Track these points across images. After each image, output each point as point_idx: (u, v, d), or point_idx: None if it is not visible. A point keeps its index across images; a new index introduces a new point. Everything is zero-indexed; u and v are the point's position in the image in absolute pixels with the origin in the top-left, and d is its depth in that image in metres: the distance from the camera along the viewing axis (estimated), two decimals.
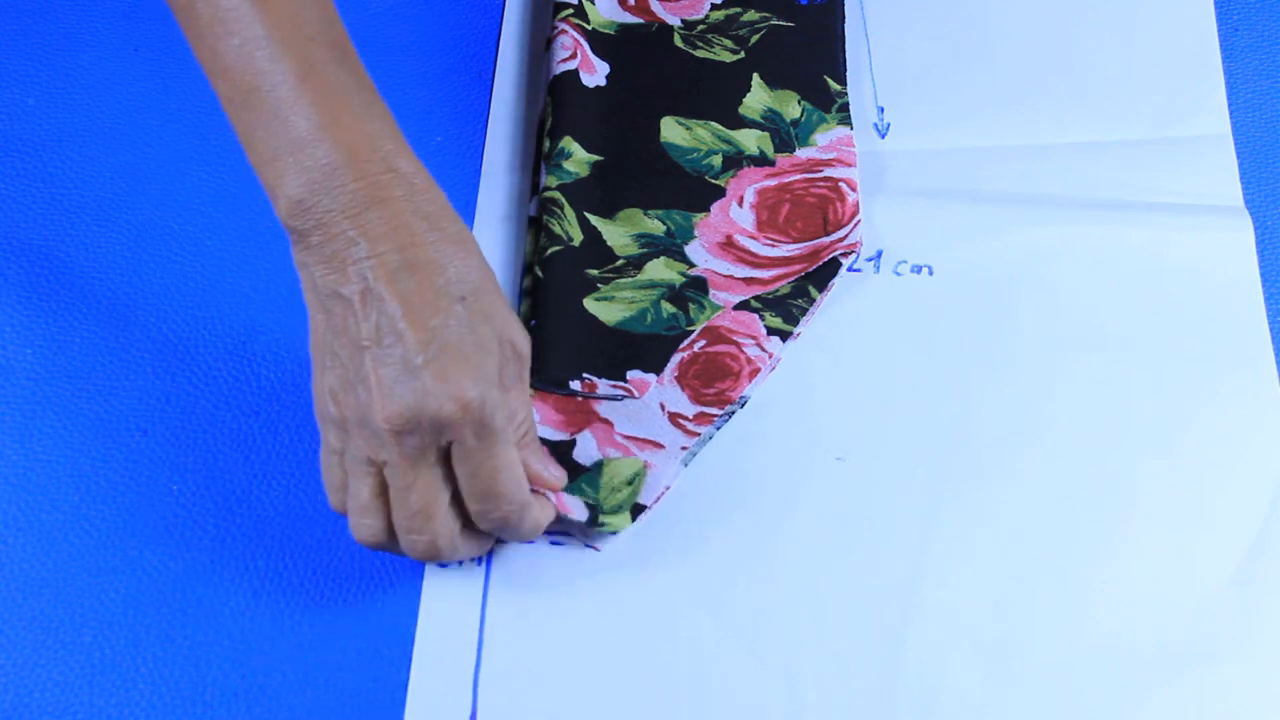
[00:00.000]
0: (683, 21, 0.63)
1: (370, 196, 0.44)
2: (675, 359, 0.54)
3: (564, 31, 0.62)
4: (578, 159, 0.59)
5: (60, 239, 0.58)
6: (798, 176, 0.59)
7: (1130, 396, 0.54)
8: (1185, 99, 0.62)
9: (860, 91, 0.63)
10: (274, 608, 0.51)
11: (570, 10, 0.63)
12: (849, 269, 0.57)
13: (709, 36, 0.63)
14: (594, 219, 0.58)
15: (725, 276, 0.56)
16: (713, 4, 0.64)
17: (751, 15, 0.63)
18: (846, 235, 0.57)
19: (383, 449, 0.45)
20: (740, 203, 0.58)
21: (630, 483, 0.51)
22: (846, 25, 0.64)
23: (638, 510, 0.51)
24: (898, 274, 0.57)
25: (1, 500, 0.52)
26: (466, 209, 0.59)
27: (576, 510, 0.50)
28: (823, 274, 0.56)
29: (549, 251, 0.56)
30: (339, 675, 0.50)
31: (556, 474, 0.50)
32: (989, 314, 0.56)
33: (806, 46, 0.63)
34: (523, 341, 0.47)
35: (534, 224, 0.58)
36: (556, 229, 0.57)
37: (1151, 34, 0.64)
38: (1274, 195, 0.61)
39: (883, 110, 0.62)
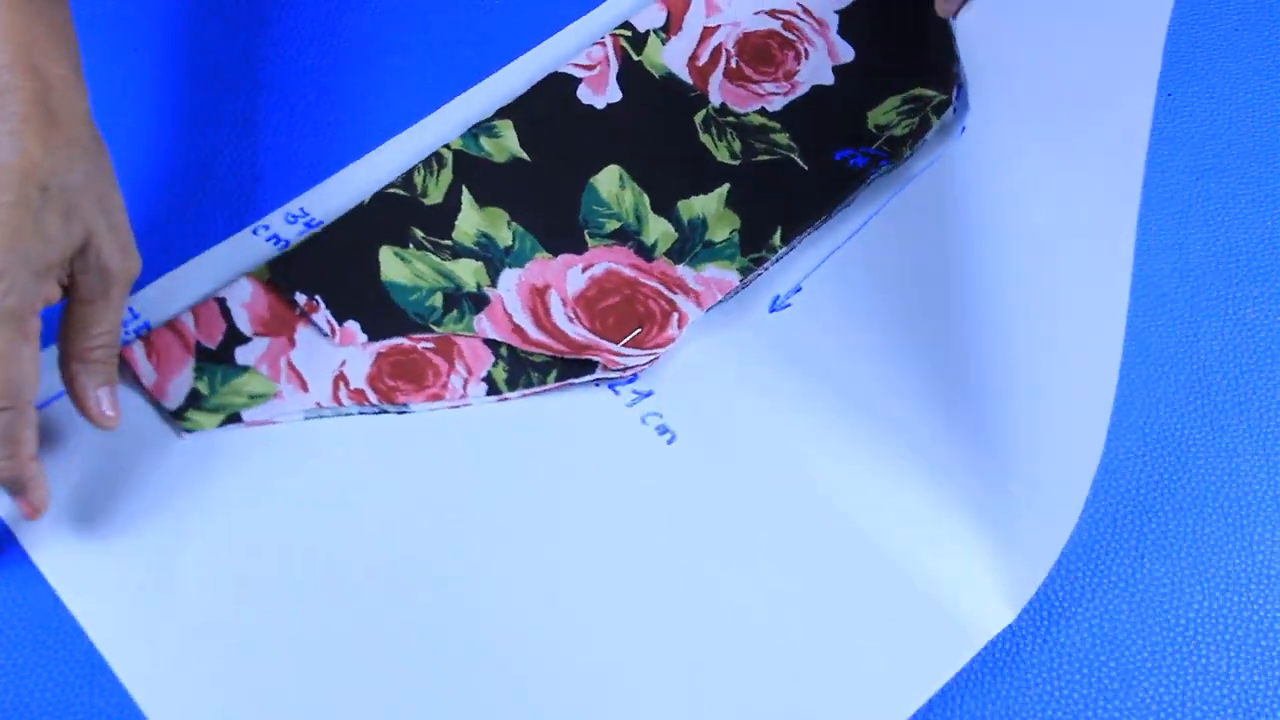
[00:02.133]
0: (722, 104, 0.61)
1: (3, 85, 0.46)
2: (393, 341, 0.54)
3: (602, 43, 0.61)
4: (502, 145, 0.58)
5: None
6: (654, 283, 0.56)
7: None
8: None
9: (780, 272, 0.58)
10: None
11: (629, 34, 0.62)
12: (608, 385, 0.54)
13: (728, 129, 0.60)
14: (465, 196, 0.57)
15: (506, 314, 0.55)
16: (766, 110, 0.61)
17: (781, 139, 0.60)
18: (633, 360, 0.54)
19: None
20: (585, 268, 0.56)
21: (251, 398, 0.52)
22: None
23: (231, 419, 0.52)
24: (644, 421, 0.54)
25: None
26: None
27: (174, 396, 0.51)
28: (574, 368, 0.54)
29: (390, 190, 0.57)
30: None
31: (105, 414, 0.49)
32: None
33: (795, 195, 0.59)
34: (114, 259, 0.48)
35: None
36: (418, 178, 0.57)
37: None
38: (1273, 195, 0.61)
39: (798, 289, 0.57)
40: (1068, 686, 0.51)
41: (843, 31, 0.63)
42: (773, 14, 0.63)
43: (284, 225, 0.57)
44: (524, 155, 0.59)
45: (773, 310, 0.56)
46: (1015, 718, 0.51)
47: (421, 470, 0.52)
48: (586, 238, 0.57)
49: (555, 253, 0.56)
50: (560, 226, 0.57)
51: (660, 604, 0.50)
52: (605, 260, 0.56)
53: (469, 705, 0.47)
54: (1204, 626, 0.52)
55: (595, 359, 0.53)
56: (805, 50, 0.62)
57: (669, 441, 0.53)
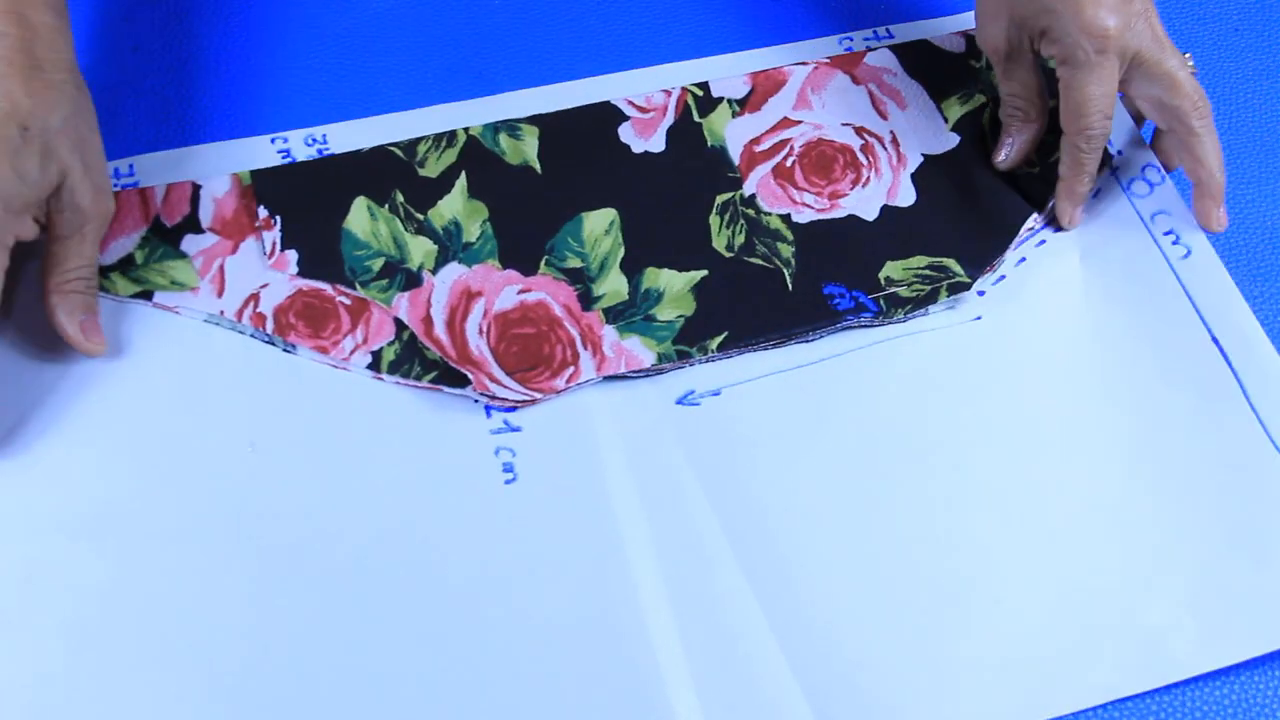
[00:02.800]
0: (752, 195, 0.58)
1: None
2: (318, 283, 0.54)
3: (668, 92, 0.60)
4: (520, 149, 0.58)
5: None
6: (574, 331, 0.54)
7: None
8: None
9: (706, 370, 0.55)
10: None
11: (700, 93, 0.60)
12: (485, 406, 0.53)
13: (741, 220, 0.58)
14: (460, 182, 0.57)
15: (426, 302, 0.54)
16: (790, 218, 0.58)
17: (785, 250, 0.57)
18: (507, 394, 0.53)
19: None
20: (522, 290, 0.55)
21: (172, 283, 0.54)
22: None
23: (143, 295, 0.54)
24: (496, 453, 0.52)
25: None
26: None
27: (111, 253, 0.54)
28: (453, 377, 0.53)
29: (390, 147, 0.58)
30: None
31: (89, 341, 0.51)
32: None
33: (762, 310, 0.56)
34: (85, 199, 0.50)
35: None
36: (421, 147, 0.58)
37: None
38: (1273, 195, 0.61)
39: (717, 394, 0.55)
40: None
41: (917, 174, 0.59)
42: (859, 131, 0.60)
43: (301, 145, 0.59)
44: (536, 166, 0.58)
45: (679, 402, 0.54)
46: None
47: (279, 414, 0.52)
48: (541, 264, 0.56)
49: (505, 265, 0.56)
50: (525, 245, 0.56)
51: (429, 622, 0.49)
52: (544, 291, 0.55)
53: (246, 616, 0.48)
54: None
55: (469, 375, 0.53)
56: (868, 178, 0.59)
57: (507, 481, 0.51)
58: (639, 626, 0.49)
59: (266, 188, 0.56)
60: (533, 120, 0.59)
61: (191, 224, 0.55)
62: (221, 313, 0.54)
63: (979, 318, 0.56)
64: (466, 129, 0.58)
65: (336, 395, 0.53)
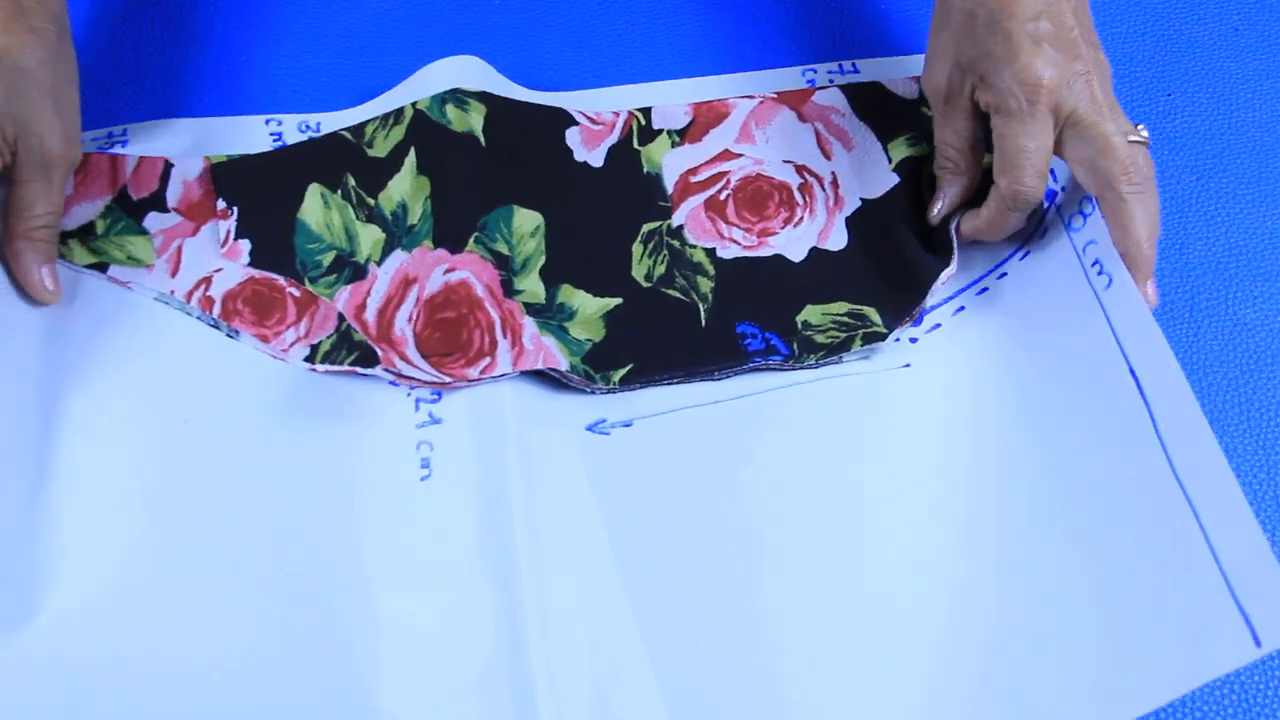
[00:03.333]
0: (680, 226, 0.58)
1: None
2: (271, 274, 0.55)
3: (617, 113, 0.60)
4: (465, 119, 0.58)
5: None
6: (494, 314, 0.55)
7: None
8: None
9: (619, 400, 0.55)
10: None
11: (643, 122, 0.60)
12: (416, 398, 0.53)
13: (664, 250, 0.57)
14: (410, 159, 0.57)
15: (365, 292, 0.55)
16: (715, 252, 0.57)
17: (703, 285, 0.57)
18: (416, 374, 0.53)
19: None
20: (449, 270, 0.55)
21: (129, 258, 0.55)
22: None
23: (98, 266, 0.54)
24: (417, 447, 0.53)
25: None
26: None
27: (73, 217, 0.55)
28: (369, 358, 0.53)
29: (341, 132, 0.58)
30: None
31: (46, 289, 0.52)
32: None
33: (672, 344, 0.55)
34: (53, 142, 0.51)
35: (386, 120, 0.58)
36: (369, 128, 0.58)
37: None
38: (1273, 195, 0.61)
39: (629, 425, 0.55)
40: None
41: (852, 219, 0.58)
42: (800, 169, 0.59)
43: (295, 131, 0.59)
44: (480, 138, 0.58)
45: (590, 429, 0.54)
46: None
47: (213, 394, 0.53)
48: (471, 240, 0.56)
49: (437, 244, 0.56)
50: (459, 223, 0.56)
51: (323, 609, 0.49)
52: (468, 269, 0.55)
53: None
54: None
55: (378, 351, 0.53)
56: (801, 218, 0.58)
57: (423, 478, 0.51)
58: (521, 648, 0.48)
59: (225, 178, 0.57)
60: (482, 98, 0.58)
61: (157, 202, 0.56)
62: (172, 292, 0.54)
63: (908, 365, 0.55)
64: (414, 104, 0.58)
65: (273, 380, 0.53)
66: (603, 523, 0.51)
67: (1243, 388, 0.57)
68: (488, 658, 0.48)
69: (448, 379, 0.53)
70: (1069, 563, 0.49)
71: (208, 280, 0.55)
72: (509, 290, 0.55)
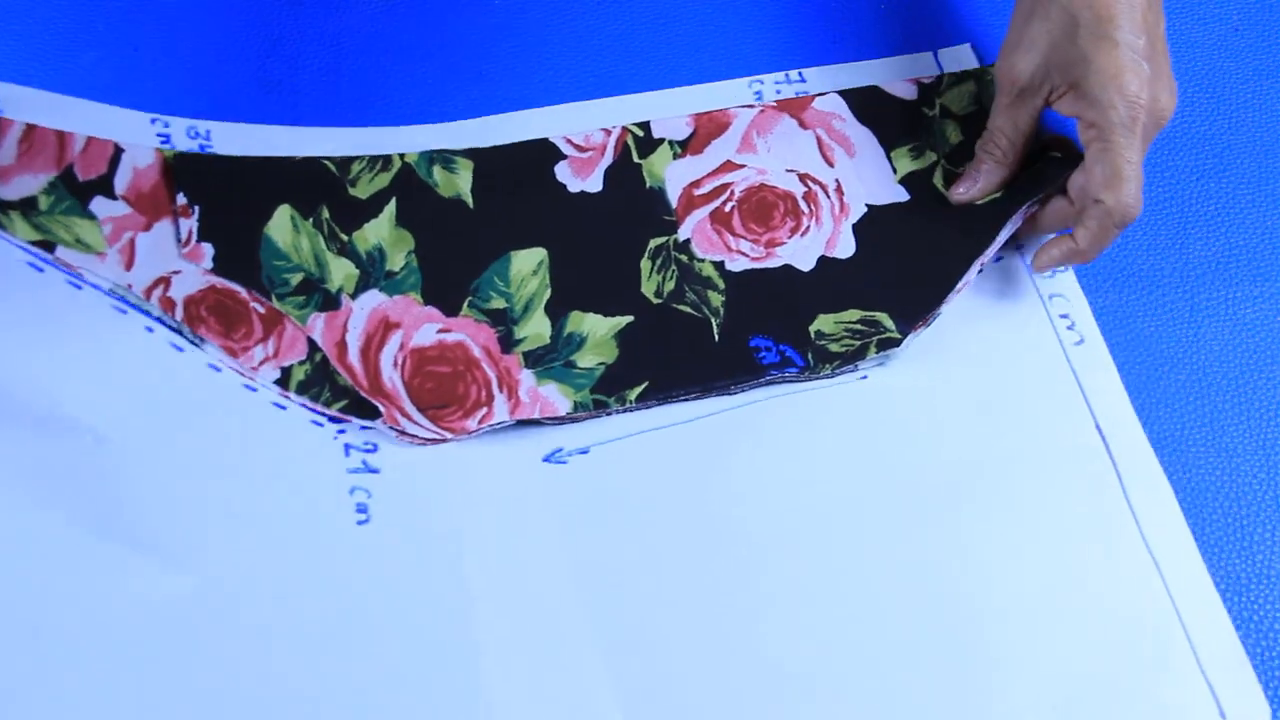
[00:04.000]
0: (687, 240, 0.57)
1: None
2: (232, 284, 0.54)
3: (607, 131, 0.59)
4: (453, 182, 0.57)
5: None
6: (491, 373, 0.54)
7: None
8: None
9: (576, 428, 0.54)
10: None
11: (641, 134, 0.59)
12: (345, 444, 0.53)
13: (673, 265, 0.57)
14: (389, 209, 0.56)
15: (343, 326, 0.54)
16: (724, 265, 0.57)
17: (714, 299, 0.56)
18: (417, 431, 0.53)
19: None
20: (441, 330, 0.54)
21: (77, 241, 0.53)
22: None
23: (44, 245, 0.53)
24: (351, 492, 0.51)
25: None
26: None
27: (13, 189, 0.53)
28: (363, 408, 0.52)
29: (324, 160, 0.56)
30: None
31: None
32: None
33: (685, 361, 0.55)
34: None
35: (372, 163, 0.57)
36: (355, 167, 0.56)
37: None
38: (1274, 196, 0.61)
39: (585, 452, 0.54)
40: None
41: (859, 225, 0.58)
42: (803, 178, 0.59)
43: (183, 136, 0.57)
44: (468, 200, 0.57)
45: (546, 460, 0.53)
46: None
47: (166, 407, 0.51)
48: (465, 305, 0.55)
49: (427, 302, 0.55)
50: (450, 283, 0.55)
51: (257, 656, 0.48)
52: (464, 333, 0.55)
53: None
54: None
55: (380, 407, 0.52)
56: (807, 227, 0.58)
57: (360, 523, 0.50)
58: (475, 689, 0.47)
59: (188, 173, 0.55)
60: (468, 154, 0.58)
61: (104, 186, 0.54)
62: (129, 286, 0.53)
63: (865, 377, 0.55)
64: (402, 155, 0.57)
65: (205, 397, 0.51)
66: (564, 554, 0.50)
67: (1243, 388, 0.57)
68: (442, 704, 0.47)
69: (447, 434, 0.53)
70: (1034, 625, 0.51)
71: (166, 281, 0.53)
72: (507, 345, 0.55)
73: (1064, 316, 0.57)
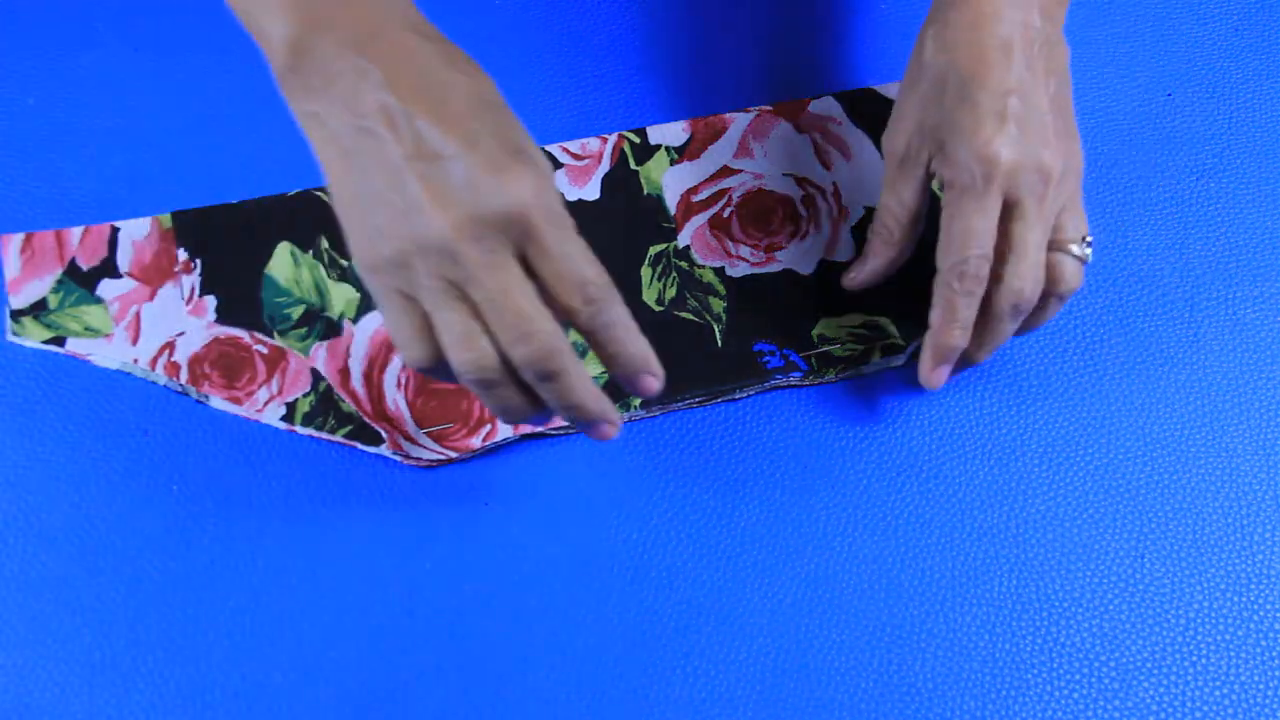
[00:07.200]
0: (686, 247, 0.57)
1: (370, 29, 0.43)
2: (235, 331, 0.54)
3: (604, 139, 0.59)
4: None
5: None
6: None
7: None
8: None
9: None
10: (275, 605, 0.51)
11: (638, 140, 0.59)
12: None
13: (674, 273, 0.57)
14: None
15: (344, 351, 0.54)
16: (724, 271, 0.57)
17: (716, 305, 0.57)
18: (421, 453, 0.53)
19: (457, 265, 0.41)
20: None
21: (85, 329, 0.54)
22: None
23: (55, 341, 0.54)
24: None
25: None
26: None
27: (24, 296, 0.54)
28: (366, 434, 0.53)
29: (316, 192, 0.57)
30: (339, 673, 0.50)
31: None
32: None
33: (689, 367, 0.55)
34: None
35: None
36: None
37: None
38: (1273, 195, 0.61)
39: None
40: (1068, 686, 0.51)
41: (858, 228, 0.58)
42: (801, 182, 0.59)
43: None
44: None
45: None
46: (1015, 718, 0.51)
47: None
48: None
49: None
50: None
51: None
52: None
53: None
54: (1204, 626, 0.53)
55: (382, 433, 0.53)
56: (806, 231, 0.58)
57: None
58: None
59: (188, 229, 0.56)
60: None
61: (109, 268, 0.56)
62: (135, 361, 0.54)
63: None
64: None
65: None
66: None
67: (1243, 388, 0.57)
68: None
69: (452, 454, 0.53)
70: None
71: (171, 345, 0.55)
72: None
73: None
